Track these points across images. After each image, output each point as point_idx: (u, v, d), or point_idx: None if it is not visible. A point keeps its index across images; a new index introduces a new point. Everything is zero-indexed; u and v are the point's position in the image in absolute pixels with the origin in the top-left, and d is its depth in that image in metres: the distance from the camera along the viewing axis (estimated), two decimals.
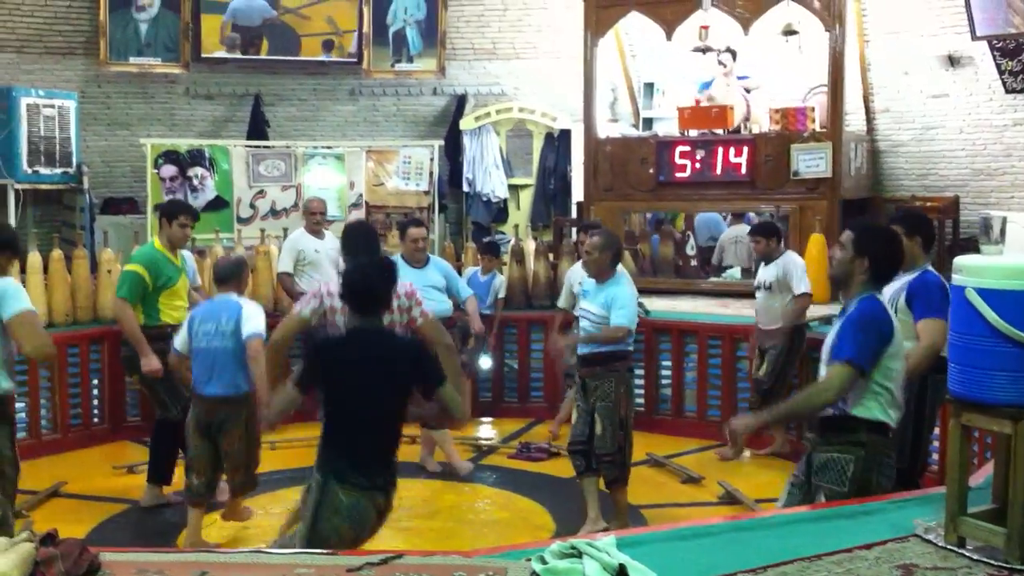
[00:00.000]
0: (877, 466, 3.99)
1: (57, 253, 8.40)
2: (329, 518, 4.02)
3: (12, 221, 10.08)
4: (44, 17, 11.65)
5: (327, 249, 8.37)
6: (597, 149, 10.73)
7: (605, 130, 11.29)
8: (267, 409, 4.88)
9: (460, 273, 8.57)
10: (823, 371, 4.06)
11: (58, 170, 10.96)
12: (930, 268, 4.99)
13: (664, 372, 8.83)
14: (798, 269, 7.57)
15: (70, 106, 11.11)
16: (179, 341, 5.92)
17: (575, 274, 7.40)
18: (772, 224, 8.08)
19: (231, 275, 5.96)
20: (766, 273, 7.67)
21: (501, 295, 8.76)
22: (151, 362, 6.41)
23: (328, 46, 12.54)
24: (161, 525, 6.40)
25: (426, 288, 6.67)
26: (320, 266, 8.35)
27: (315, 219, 8.50)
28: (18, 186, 10.47)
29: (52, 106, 10.91)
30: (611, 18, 10.89)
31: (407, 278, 6.40)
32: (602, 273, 6.06)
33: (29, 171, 10.68)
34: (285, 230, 9.65)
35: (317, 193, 11.24)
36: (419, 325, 5.34)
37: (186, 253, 8.29)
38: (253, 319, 5.74)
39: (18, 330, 4.48)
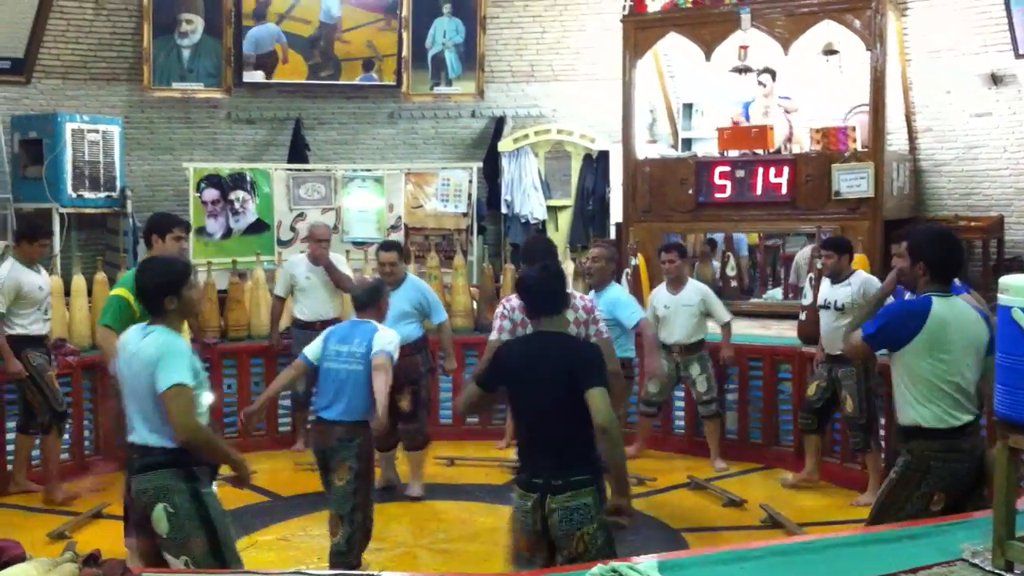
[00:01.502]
0: (922, 472, 4.15)
1: (101, 276, 8.50)
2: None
3: (57, 245, 10.23)
4: (89, 44, 11.84)
5: (320, 276, 8.38)
6: (636, 170, 10.72)
7: (644, 151, 11.26)
8: (379, 424, 5.27)
9: (498, 297, 8.58)
10: None
11: (102, 194, 11.10)
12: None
13: None
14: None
15: (114, 131, 11.26)
16: (311, 351, 5.67)
17: (659, 297, 8.01)
18: (846, 240, 7.73)
19: (370, 301, 5.80)
20: (837, 292, 7.19)
21: None
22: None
23: (368, 65, 12.64)
24: None
25: (389, 312, 6.39)
26: (311, 293, 8.37)
27: (322, 246, 8.39)
28: (63, 210, 10.61)
29: (96, 131, 11.06)
30: (650, 39, 10.89)
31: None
32: (604, 282, 6.70)
33: (74, 195, 10.83)
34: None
35: (357, 215, 11.35)
36: (595, 343, 5.30)
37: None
38: (385, 339, 5.56)
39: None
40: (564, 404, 3.93)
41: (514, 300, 5.34)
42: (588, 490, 3.96)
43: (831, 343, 7.14)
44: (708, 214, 10.50)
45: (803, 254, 10.72)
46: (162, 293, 4.09)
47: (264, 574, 3.87)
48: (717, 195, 10.29)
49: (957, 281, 5.18)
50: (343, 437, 5.45)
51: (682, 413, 8.82)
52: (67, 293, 8.31)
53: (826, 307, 7.26)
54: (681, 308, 7.93)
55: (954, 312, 4.24)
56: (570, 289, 5.38)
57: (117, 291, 5.66)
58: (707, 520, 7.02)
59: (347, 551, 5.39)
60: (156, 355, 3.96)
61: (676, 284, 8.01)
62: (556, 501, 3.90)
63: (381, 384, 5.38)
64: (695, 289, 8.04)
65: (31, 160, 10.98)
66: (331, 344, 5.63)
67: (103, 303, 5.81)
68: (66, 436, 7.66)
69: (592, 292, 6.75)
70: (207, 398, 4.19)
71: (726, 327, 8.10)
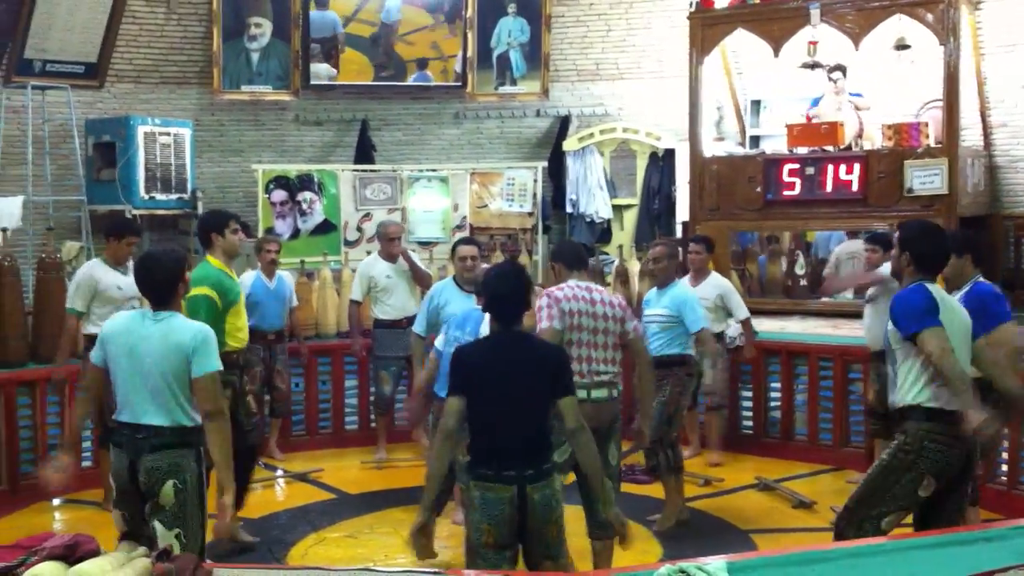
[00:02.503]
0: (915, 453, 4.37)
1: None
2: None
3: None
4: (160, 48, 12.05)
5: (401, 273, 8.37)
6: (703, 168, 10.61)
7: (711, 149, 11.15)
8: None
9: None
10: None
11: (174, 196, 11.30)
12: (981, 279, 5.44)
13: (773, 394, 8.65)
14: None
15: (185, 134, 11.46)
16: (440, 342, 5.93)
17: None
18: (889, 236, 7.68)
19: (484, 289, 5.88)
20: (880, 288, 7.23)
21: None
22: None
23: (422, 64, 12.69)
24: (272, 542, 6.49)
25: (473, 316, 6.56)
26: (393, 291, 8.35)
27: (394, 244, 8.38)
28: (136, 212, 10.79)
29: (168, 134, 11.26)
30: (717, 36, 10.77)
31: (455, 304, 6.46)
32: (668, 280, 6.66)
33: (146, 197, 11.04)
34: None
35: (422, 215, 11.40)
36: (629, 340, 5.36)
37: (286, 275, 8.45)
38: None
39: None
40: (536, 402, 4.12)
41: (561, 291, 5.27)
42: (555, 477, 4.16)
43: (875, 339, 6.96)
44: (776, 212, 10.35)
45: (843, 248, 10.49)
46: (175, 282, 4.37)
47: (331, 571, 3.89)
48: (786, 193, 10.15)
49: (981, 278, 5.29)
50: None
51: (750, 413, 8.72)
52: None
53: (869, 302, 7.30)
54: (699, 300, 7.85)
55: (945, 299, 4.51)
56: (597, 286, 5.41)
57: (200, 290, 5.73)
58: (776, 521, 6.93)
59: None
60: (192, 342, 4.24)
61: (698, 276, 7.97)
62: (536, 490, 4.04)
63: None
64: (714, 284, 7.98)
65: (105, 163, 11.21)
66: (451, 330, 5.84)
67: (187, 306, 5.74)
68: None
69: (655, 290, 6.78)
70: None
71: (746, 324, 8.07)
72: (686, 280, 7.67)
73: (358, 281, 8.47)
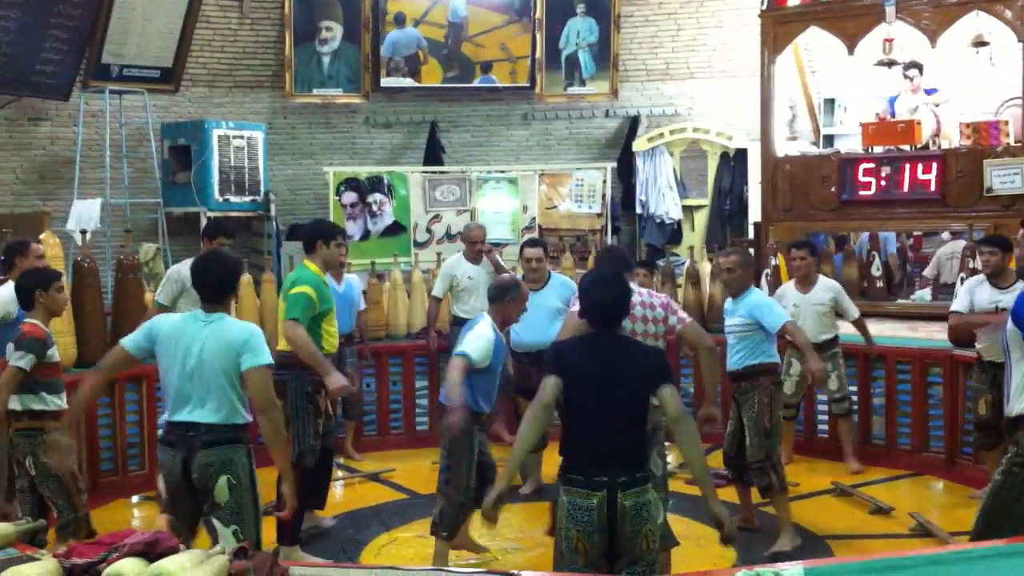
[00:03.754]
0: None
1: (246, 278, 8.71)
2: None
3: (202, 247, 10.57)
4: (233, 53, 12.23)
5: (483, 275, 8.40)
6: (775, 168, 10.48)
7: (784, 148, 11.01)
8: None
9: None
10: None
11: (247, 198, 11.45)
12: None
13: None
14: None
15: (258, 137, 11.61)
16: (471, 345, 5.78)
17: (788, 296, 7.77)
18: (1006, 238, 7.22)
19: (494, 298, 5.82)
20: (1004, 296, 6.61)
21: None
22: (336, 379, 5.96)
23: (486, 67, 12.71)
24: (346, 541, 6.53)
25: (539, 313, 6.48)
26: (474, 292, 8.37)
27: (476, 247, 8.38)
28: (210, 214, 10.97)
29: (241, 137, 11.43)
30: (789, 34, 10.63)
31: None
32: (743, 288, 6.41)
33: (220, 199, 11.20)
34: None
35: (491, 217, 11.41)
36: (680, 331, 5.33)
37: (353, 278, 8.52)
38: (468, 338, 5.64)
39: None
40: (633, 406, 4.02)
41: (650, 296, 5.27)
42: (649, 487, 4.02)
43: (993, 350, 6.55)
44: (852, 212, 10.18)
45: (947, 250, 10.27)
46: (230, 283, 4.52)
47: (405, 570, 3.89)
48: (861, 193, 9.97)
49: None
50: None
51: (825, 417, 8.57)
52: None
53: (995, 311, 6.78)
54: (811, 307, 7.68)
55: None
56: (639, 288, 5.32)
57: (301, 288, 5.94)
58: (853, 527, 6.78)
59: (439, 523, 5.64)
60: (242, 338, 4.32)
61: (805, 282, 7.76)
62: (627, 497, 3.90)
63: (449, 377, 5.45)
64: (825, 287, 7.78)
65: (180, 166, 11.41)
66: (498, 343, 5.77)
67: (287, 301, 5.98)
68: None
69: (731, 300, 6.61)
70: None
71: (859, 323, 7.86)
72: (792, 290, 7.67)
73: (440, 279, 8.51)
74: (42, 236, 7.53)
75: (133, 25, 11.32)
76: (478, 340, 5.58)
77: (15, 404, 5.27)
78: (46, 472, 5.23)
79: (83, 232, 8.67)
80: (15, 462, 5.40)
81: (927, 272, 10.44)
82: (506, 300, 5.81)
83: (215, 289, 4.45)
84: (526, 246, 7.40)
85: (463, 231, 9.07)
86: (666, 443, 5.48)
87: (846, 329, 8.70)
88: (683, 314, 5.42)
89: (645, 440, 4.10)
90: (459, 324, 8.34)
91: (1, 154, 10.96)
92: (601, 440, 3.97)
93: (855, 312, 7.83)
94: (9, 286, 6.07)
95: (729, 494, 6.96)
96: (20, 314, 5.69)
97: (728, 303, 6.61)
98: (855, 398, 8.30)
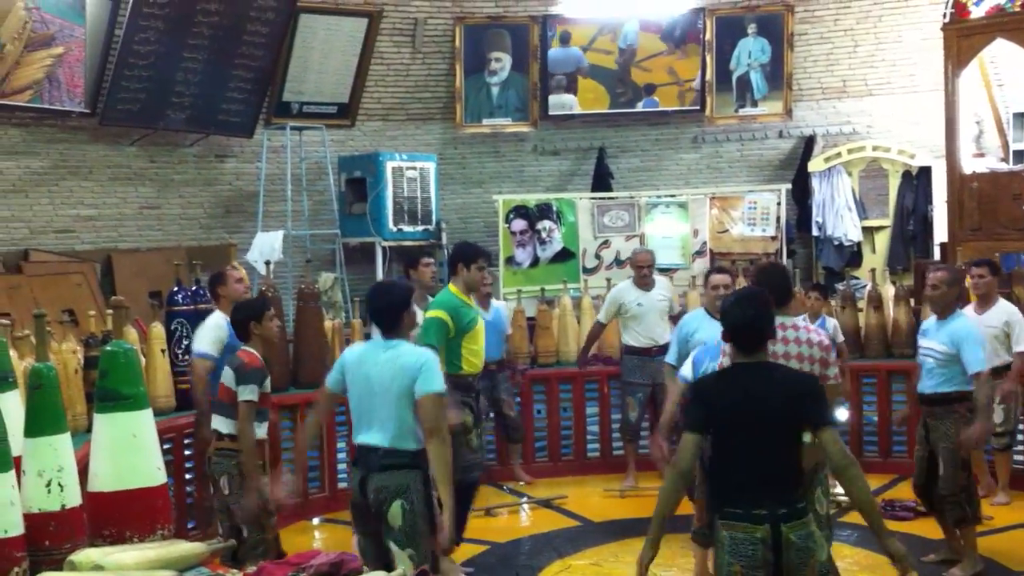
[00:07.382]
0: None
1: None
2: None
3: (379, 276, 10.84)
4: (406, 87, 12.52)
5: (653, 301, 8.28)
6: (962, 186, 10.02)
7: (970, 165, 10.51)
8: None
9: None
10: None
11: (419, 227, 11.68)
12: None
13: None
14: None
15: (430, 167, 11.84)
16: (686, 368, 5.72)
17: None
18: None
19: None
20: None
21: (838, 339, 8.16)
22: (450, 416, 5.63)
23: (649, 90, 12.61)
24: (519, 568, 6.53)
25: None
26: (643, 319, 8.27)
27: (643, 272, 8.36)
28: (385, 243, 11.25)
29: (414, 168, 11.67)
30: (974, 47, 10.17)
31: (704, 332, 6.20)
32: (948, 308, 6.10)
33: (394, 229, 11.46)
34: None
35: (660, 242, 11.27)
36: (828, 384, 4.80)
37: (500, 305, 8.57)
38: None
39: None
40: (785, 436, 3.91)
41: (808, 332, 4.89)
42: (811, 519, 3.96)
43: None
44: None
45: None
46: (400, 311, 4.65)
47: None
48: None
49: None
50: None
51: (1023, 447, 8.07)
52: None
53: None
54: (984, 329, 7.09)
55: None
56: (798, 322, 4.93)
57: (435, 313, 6.04)
58: None
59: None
60: (418, 363, 4.47)
61: (984, 303, 7.23)
62: (792, 530, 3.79)
63: None
64: (1003, 310, 7.23)
65: (356, 197, 11.73)
66: (698, 358, 5.59)
67: (421, 327, 5.96)
68: None
69: (934, 320, 6.24)
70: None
71: (1021, 356, 7.16)
72: (970, 310, 7.03)
73: (607, 304, 8.50)
74: (234, 263, 7.88)
75: (311, 64, 11.74)
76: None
77: (219, 424, 5.51)
78: (237, 493, 5.42)
79: (267, 263, 9.02)
80: (211, 481, 5.63)
81: None
82: None
83: (388, 316, 4.61)
84: (713, 273, 7.20)
85: (631, 256, 9.04)
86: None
87: None
88: (835, 372, 4.93)
89: (800, 470, 3.99)
90: (632, 353, 8.29)
91: (190, 190, 11.49)
92: (755, 472, 3.85)
93: (1022, 344, 7.15)
94: (216, 315, 6.40)
95: (919, 527, 6.63)
96: (231, 339, 5.94)
97: (928, 322, 6.24)
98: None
